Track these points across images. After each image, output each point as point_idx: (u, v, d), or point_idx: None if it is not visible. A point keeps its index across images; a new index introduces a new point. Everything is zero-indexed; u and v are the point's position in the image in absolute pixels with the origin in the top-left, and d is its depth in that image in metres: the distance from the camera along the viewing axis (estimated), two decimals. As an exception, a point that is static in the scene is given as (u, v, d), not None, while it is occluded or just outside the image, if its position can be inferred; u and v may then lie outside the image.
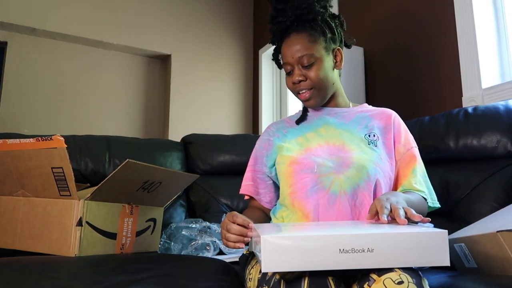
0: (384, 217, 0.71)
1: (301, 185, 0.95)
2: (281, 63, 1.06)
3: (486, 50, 1.66)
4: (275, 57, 1.10)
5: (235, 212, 0.84)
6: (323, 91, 1.02)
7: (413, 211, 0.72)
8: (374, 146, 0.99)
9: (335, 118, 1.05)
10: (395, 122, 1.04)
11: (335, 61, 1.04)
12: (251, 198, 1.10)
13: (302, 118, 1.09)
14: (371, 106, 1.11)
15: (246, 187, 1.09)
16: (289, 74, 1.03)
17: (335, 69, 1.04)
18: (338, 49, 1.05)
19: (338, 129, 1.02)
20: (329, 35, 1.02)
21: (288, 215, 0.97)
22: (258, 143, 1.12)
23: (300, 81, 1.00)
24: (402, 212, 0.71)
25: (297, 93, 1.03)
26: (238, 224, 0.81)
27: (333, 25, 1.04)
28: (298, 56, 0.99)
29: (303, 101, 1.04)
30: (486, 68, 1.64)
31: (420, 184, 0.97)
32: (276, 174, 1.05)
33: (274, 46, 1.11)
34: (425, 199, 0.96)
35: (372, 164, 0.94)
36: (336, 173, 0.93)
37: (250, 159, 1.12)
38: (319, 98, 1.03)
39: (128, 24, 3.04)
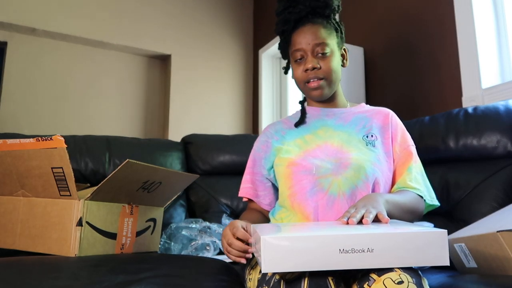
0: (344, 220, 0.74)
1: (300, 187, 0.95)
2: (288, 53, 1.06)
3: (486, 50, 1.66)
4: (283, 46, 1.08)
5: (237, 224, 0.83)
6: (332, 84, 1.02)
7: (384, 214, 0.75)
8: (372, 147, 0.98)
9: (333, 119, 1.05)
10: (392, 121, 1.04)
11: (342, 59, 1.05)
12: (250, 200, 1.10)
13: (301, 121, 1.07)
14: (368, 106, 1.11)
15: (245, 189, 1.09)
16: (299, 61, 1.02)
17: (342, 67, 1.06)
18: (344, 49, 1.07)
19: (337, 130, 1.02)
20: (339, 33, 1.05)
21: (288, 216, 0.97)
22: (256, 145, 1.12)
23: (314, 68, 0.99)
24: (358, 216, 0.73)
25: (306, 82, 1.01)
26: (238, 238, 0.80)
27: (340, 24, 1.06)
28: (315, 42, 0.99)
29: (311, 90, 1.01)
30: (486, 68, 1.64)
31: (416, 182, 0.97)
32: (274, 176, 1.05)
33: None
34: (421, 196, 0.96)
35: (370, 165, 0.94)
36: (334, 175, 0.93)
37: (249, 161, 1.12)
38: (327, 90, 1.02)
39: (128, 24, 3.04)
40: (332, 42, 1.01)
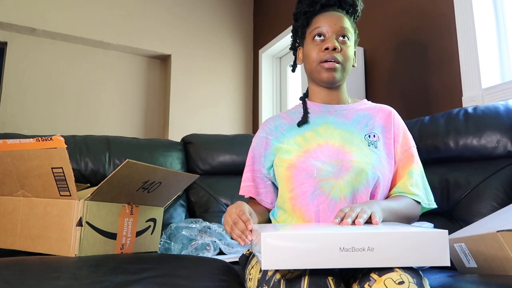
0: (336, 220, 0.74)
1: (302, 191, 0.93)
2: (305, 33, 1.06)
3: (486, 50, 1.66)
4: (300, 28, 1.08)
5: (243, 208, 0.81)
6: (344, 72, 1.02)
7: (377, 216, 0.75)
8: (374, 148, 0.97)
9: (334, 116, 1.03)
10: (395, 121, 1.03)
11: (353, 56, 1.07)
12: (251, 197, 1.09)
13: (303, 121, 1.03)
14: (370, 102, 1.09)
15: (246, 188, 1.07)
16: (318, 40, 1.01)
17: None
18: (355, 51, 1.08)
19: (338, 129, 1.00)
20: (356, 33, 1.07)
21: (287, 219, 0.96)
22: (255, 141, 1.09)
23: (334, 49, 0.98)
24: (353, 214, 0.73)
25: (323, 61, 0.99)
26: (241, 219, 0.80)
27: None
28: (340, 25, 1.01)
29: (325, 70, 1.00)
30: (486, 68, 1.64)
31: (417, 186, 0.96)
32: (274, 175, 1.03)
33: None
34: (418, 202, 0.96)
35: (371, 168, 0.92)
36: (335, 178, 0.92)
37: (248, 158, 1.10)
38: (339, 75, 1.01)
39: (128, 24, 3.04)
40: (352, 36, 1.04)
